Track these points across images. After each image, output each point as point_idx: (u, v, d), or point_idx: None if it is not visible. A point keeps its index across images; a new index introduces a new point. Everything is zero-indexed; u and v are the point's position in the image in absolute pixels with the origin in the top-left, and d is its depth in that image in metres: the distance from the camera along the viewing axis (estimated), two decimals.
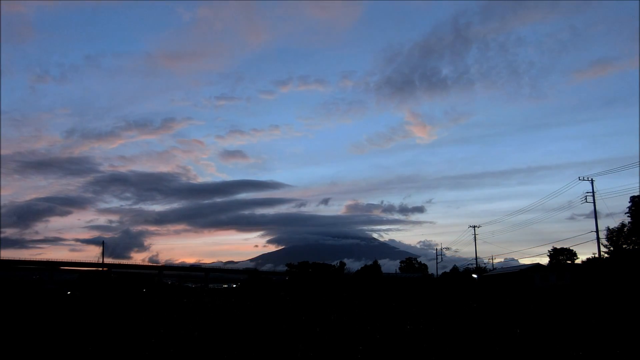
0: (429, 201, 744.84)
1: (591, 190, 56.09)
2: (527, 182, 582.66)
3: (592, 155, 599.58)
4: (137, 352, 13.31)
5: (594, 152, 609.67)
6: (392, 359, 11.87)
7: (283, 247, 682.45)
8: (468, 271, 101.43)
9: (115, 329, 18.98)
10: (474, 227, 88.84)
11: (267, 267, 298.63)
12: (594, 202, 55.57)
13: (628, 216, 56.12)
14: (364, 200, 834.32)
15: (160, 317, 25.55)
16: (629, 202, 55.78)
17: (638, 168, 57.75)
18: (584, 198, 56.48)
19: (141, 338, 15.80)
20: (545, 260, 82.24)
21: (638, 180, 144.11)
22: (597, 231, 55.00)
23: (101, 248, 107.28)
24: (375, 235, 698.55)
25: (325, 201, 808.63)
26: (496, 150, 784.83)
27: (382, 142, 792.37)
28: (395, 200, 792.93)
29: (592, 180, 56.43)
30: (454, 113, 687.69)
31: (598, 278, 49.91)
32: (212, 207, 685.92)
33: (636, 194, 55.22)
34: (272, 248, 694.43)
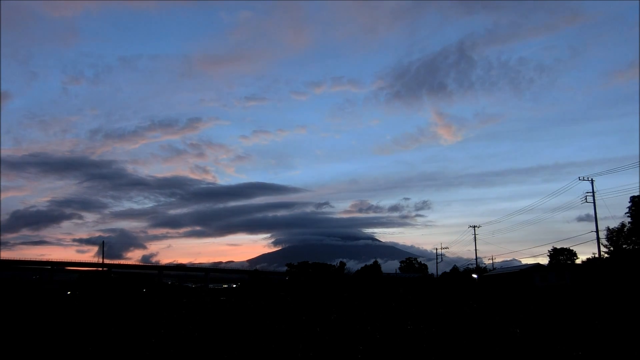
0: (445, 200, 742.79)
1: (591, 190, 56.12)
2: (552, 179, 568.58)
3: (625, 151, 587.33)
4: (138, 352, 13.32)
5: (627, 148, 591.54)
6: (392, 359, 11.87)
7: (284, 247, 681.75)
8: (468, 271, 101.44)
9: (115, 329, 18.98)
10: (474, 227, 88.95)
11: (267, 267, 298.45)
12: (594, 202, 55.58)
13: (628, 216, 56.13)
14: (378, 200, 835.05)
15: (160, 317, 25.55)
16: (629, 202, 55.80)
17: (638, 168, 57.72)
18: (584, 198, 56.52)
19: (141, 338, 15.80)
20: (545, 260, 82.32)
21: (638, 180, 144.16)
22: (597, 231, 55.02)
23: (102, 249, 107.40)
24: (380, 236, 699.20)
25: (335, 202, 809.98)
26: (526, 146, 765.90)
27: (407, 143, 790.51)
28: (412, 199, 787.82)
29: (592, 180, 56.46)
30: (484, 115, 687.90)
31: (598, 278, 49.89)
32: (225, 210, 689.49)
33: (636, 194, 55.27)
34: (273, 248, 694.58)
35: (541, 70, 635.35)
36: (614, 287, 39.97)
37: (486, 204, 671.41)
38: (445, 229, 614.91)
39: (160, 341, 15.02)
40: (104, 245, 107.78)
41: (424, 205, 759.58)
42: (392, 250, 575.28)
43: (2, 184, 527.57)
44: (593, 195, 55.84)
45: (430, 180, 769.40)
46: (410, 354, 12.21)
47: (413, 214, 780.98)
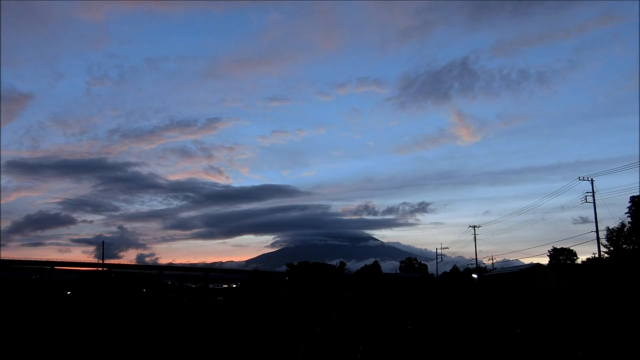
0: (459, 199, 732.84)
1: (591, 190, 56.12)
2: (571, 177, 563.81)
3: None
4: (138, 352, 13.32)
5: None
6: (392, 359, 11.88)
7: (285, 247, 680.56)
8: (468, 271, 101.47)
9: (116, 329, 18.99)
10: (474, 227, 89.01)
11: (263, 267, 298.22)
12: (594, 202, 55.58)
13: (628, 216, 56.10)
14: (388, 200, 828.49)
15: (160, 317, 25.55)
16: (629, 202, 55.77)
17: (638, 168, 57.71)
18: (584, 198, 56.51)
19: (141, 338, 15.81)
20: (545, 260, 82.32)
21: (638, 180, 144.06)
22: (597, 231, 55.00)
23: (102, 249, 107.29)
24: (385, 237, 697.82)
25: (344, 203, 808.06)
26: (547, 144, 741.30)
27: (427, 144, 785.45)
28: (422, 199, 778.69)
29: (592, 180, 56.47)
30: (506, 116, 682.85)
31: (598, 278, 49.90)
32: (234, 214, 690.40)
33: (636, 194, 55.25)
34: (274, 249, 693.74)
35: (564, 69, 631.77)
36: (614, 287, 39.98)
37: (502, 202, 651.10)
38: (457, 228, 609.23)
39: (160, 341, 15.03)
40: (104, 246, 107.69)
41: (434, 205, 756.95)
42: (394, 250, 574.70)
43: (17, 185, 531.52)
44: (593, 195, 55.86)
45: (446, 179, 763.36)
46: (410, 354, 12.21)
47: (420, 214, 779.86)
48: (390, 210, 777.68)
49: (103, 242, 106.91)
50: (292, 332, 16.60)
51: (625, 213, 56.31)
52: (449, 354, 12.05)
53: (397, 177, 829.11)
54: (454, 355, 11.95)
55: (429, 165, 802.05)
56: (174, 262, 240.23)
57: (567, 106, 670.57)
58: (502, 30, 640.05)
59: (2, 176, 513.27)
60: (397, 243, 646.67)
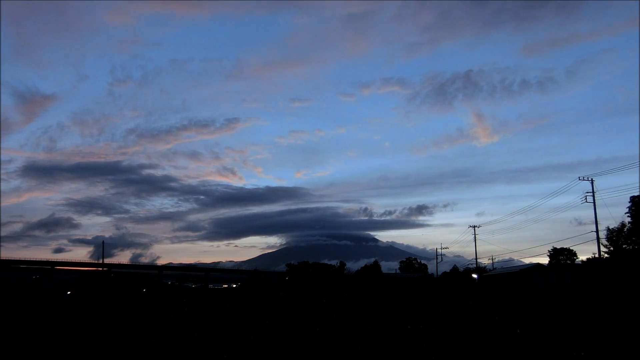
0: (474, 198, 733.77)
1: (591, 190, 56.09)
2: (590, 175, 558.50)
3: None
4: (137, 352, 13.30)
5: None
6: (392, 359, 11.86)
7: (285, 247, 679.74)
8: (468, 271, 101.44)
9: (115, 329, 18.96)
10: (474, 227, 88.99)
11: (267, 267, 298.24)
12: (594, 202, 55.56)
13: (628, 216, 56.06)
14: (399, 199, 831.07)
15: (160, 317, 25.52)
16: (629, 202, 55.73)
17: (638, 168, 57.74)
18: (584, 198, 56.49)
19: (141, 338, 15.78)
20: (545, 260, 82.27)
21: (638, 180, 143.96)
22: (597, 231, 55.01)
23: (102, 249, 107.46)
24: (392, 238, 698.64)
25: (353, 204, 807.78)
26: (566, 142, 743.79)
27: (444, 144, 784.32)
28: (433, 199, 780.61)
29: (592, 180, 56.46)
30: (527, 116, 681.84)
31: (598, 278, 49.87)
32: (241, 216, 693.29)
33: (636, 194, 55.21)
34: (274, 249, 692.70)
35: (587, 69, 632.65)
36: (614, 287, 39.93)
37: (517, 201, 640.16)
38: (465, 228, 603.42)
39: (160, 341, 15.00)
40: (104, 246, 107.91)
41: (440, 206, 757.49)
42: (396, 250, 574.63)
43: (29, 186, 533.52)
44: (593, 195, 55.85)
45: (462, 177, 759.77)
46: (410, 354, 12.18)
47: (425, 215, 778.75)
48: (396, 212, 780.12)
49: (103, 242, 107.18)
50: (291, 332, 16.58)
51: (625, 213, 56.32)
52: (448, 354, 12.03)
53: (412, 177, 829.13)
54: (454, 356, 11.92)
55: (446, 164, 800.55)
56: (173, 262, 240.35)
57: (590, 104, 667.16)
58: (527, 31, 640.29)
59: (16, 178, 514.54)
60: (400, 244, 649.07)
